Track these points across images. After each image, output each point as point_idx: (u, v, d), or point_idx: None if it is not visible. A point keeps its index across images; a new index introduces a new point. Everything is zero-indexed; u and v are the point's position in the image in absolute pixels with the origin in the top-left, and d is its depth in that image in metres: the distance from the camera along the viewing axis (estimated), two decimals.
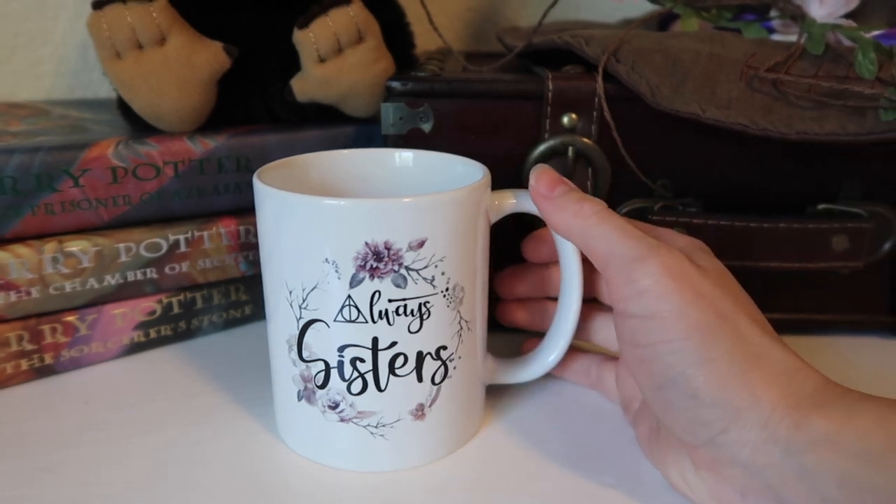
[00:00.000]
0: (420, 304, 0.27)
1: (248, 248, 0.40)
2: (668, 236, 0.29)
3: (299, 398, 0.29)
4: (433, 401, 0.29)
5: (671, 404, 0.26)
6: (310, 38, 0.38)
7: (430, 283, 0.27)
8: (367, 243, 0.26)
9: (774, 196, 0.38)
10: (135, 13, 0.35)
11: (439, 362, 0.29)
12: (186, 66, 0.37)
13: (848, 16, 0.39)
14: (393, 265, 0.26)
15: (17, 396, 0.34)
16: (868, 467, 0.22)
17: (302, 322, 0.28)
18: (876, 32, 0.40)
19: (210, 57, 0.37)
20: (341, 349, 0.28)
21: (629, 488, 0.28)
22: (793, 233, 0.37)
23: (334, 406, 0.29)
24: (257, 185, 0.28)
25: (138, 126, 0.39)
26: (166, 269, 0.38)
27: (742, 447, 0.24)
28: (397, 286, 0.27)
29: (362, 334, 0.27)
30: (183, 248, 0.38)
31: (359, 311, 0.27)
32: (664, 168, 0.37)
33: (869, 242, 0.37)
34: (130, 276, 0.37)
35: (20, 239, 0.34)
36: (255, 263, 0.41)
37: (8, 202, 0.33)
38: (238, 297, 0.41)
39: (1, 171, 0.32)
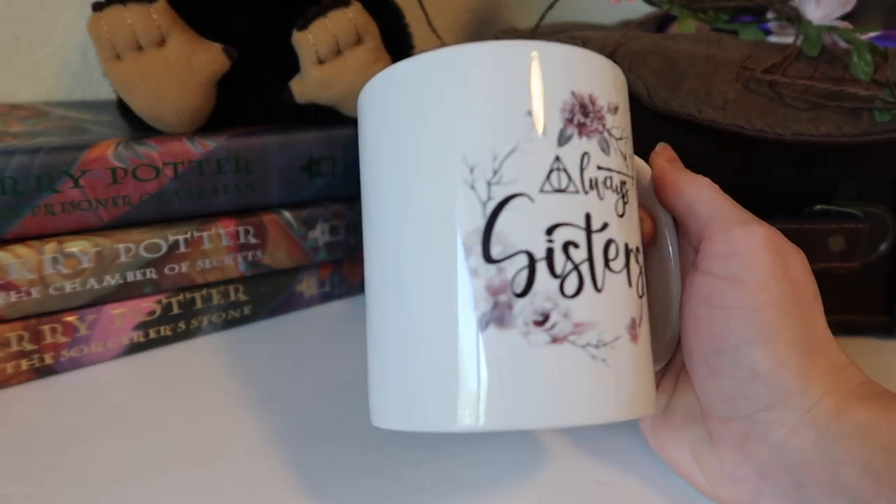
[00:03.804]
0: (622, 182, 0.24)
1: (248, 248, 0.40)
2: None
3: (484, 326, 0.21)
4: (641, 318, 0.24)
5: (722, 371, 0.26)
6: (309, 40, 0.38)
7: (625, 159, 0.24)
8: (573, 93, 0.23)
9: (771, 197, 0.39)
10: (135, 15, 0.36)
11: (639, 268, 0.24)
12: (186, 68, 0.37)
13: (844, 18, 0.40)
14: (598, 124, 0.23)
15: (17, 396, 0.34)
16: (893, 460, 0.22)
17: (492, 204, 0.22)
18: (871, 34, 0.40)
19: (210, 58, 0.38)
20: (550, 230, 0.22)
21: (623, 484, 0.29)
22: (789, 233, 0.37)
23: (543, 319, 0.21)
24: (410, 65, 0.24)
25: (138, 127, 0.39)
26: (166, 270, 0.38)
27: (779, 427, 0.25)
28: (603, 150, 0.23)
29: (575, 209, 0.22)
30: (182, 249, 0.38)
31: (569, 177, 0.22)
32: None
33: (865, 243, 0.38)
34: (130, 277, 0.37)
35: (20, 239, 0.34)
36: (255, 264, 0.41)
37: (8, 203, 0.33)
38: (237, 297, 0.41)
39: (2, 172, 0.33)
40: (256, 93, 0.41)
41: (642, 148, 0.37)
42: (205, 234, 0.39)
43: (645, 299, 0.25)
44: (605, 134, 0.23)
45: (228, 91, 0.40)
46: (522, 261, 0.21)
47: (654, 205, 0.30)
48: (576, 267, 0.22)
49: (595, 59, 0.24)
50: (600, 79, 0.23)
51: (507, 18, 0.70)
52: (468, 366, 0.21)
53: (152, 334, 0.39)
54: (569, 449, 0.31)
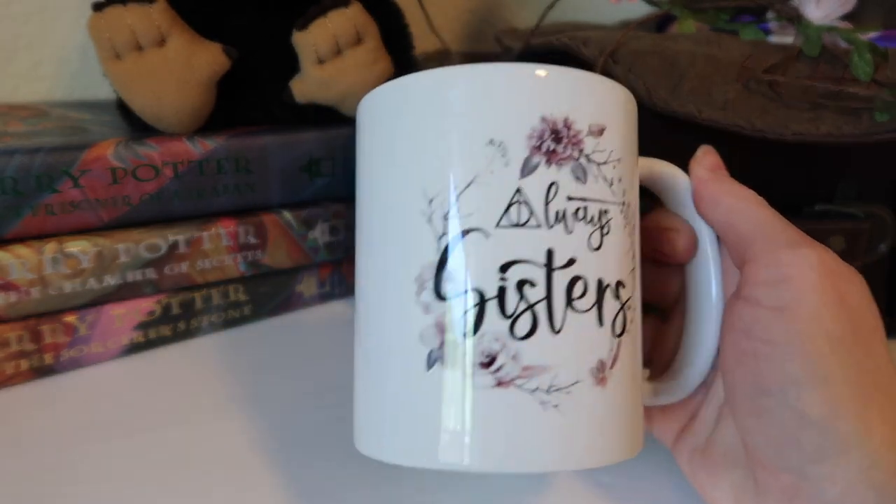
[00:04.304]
0: (600, 212, 0.22)
1: (248, 248, 0.40)
2: None
3: (430, 364, 0.21)
4: (614, 360, 0.22)
5: (768, 415, 0.23)
6: (308, 40, 0.38)
7: (610, 185, 0.22)
8: (543, 118, 0.21)
9: (771, 197, 0.38)
10: (134, 15, 0.36)
11: (619, 304, 0.22)
12: (186, 68, 0.37)
13: (844, 18, 0.40)
14: (573, 150, 0.21)
15: (17, 396, 0.34)
16: None
17: (446, 239, 0.21)
18: (871, 34, 0.40)
19: (209, 58, 0.38)
20: (505, 268, 0.21)
21: (626, 487, 0.29)
22: None
23: (489, 361, 0.20)
24: (378, 92, 0.23)
25: (138, 127, 0.39)
26: (166, 270, 0.38)
27: (833, 484, 0.21)
28: (577, 178, 0.21)
29: (534, 244, 0.21)
30: (182, 249, 0.38)
31: (531, 210, 0.21)
32: None
33: (865, 243, 0.38)
34: (130, 277, 0.37)
35: (20, 239, 0.34)
36: (254, 264, 0.41)
37: (8, 203, 0.33)
38: (237, 297, 0.41)
39: (2, 172, 0.33)
40: (256, 93, 0.41)
41: (642, 148, 0.37)
42: (205, 234, 0.39)
43: (630, 337, 0.23)
44: (583, 160, 0.21)
45: (228, 91, 0.40)
46: (472, 299, 0.21)
47: (695, 218, 0.27)
48: (530, 307, 0.21)
49: (578, 77, 0.22)
50: (581, 99, 0.22)
51: (507, 18, 0.70)
52: (418, 403, 0.21)
53: (152, 334, 0.39)
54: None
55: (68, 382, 0.36)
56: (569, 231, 0.21)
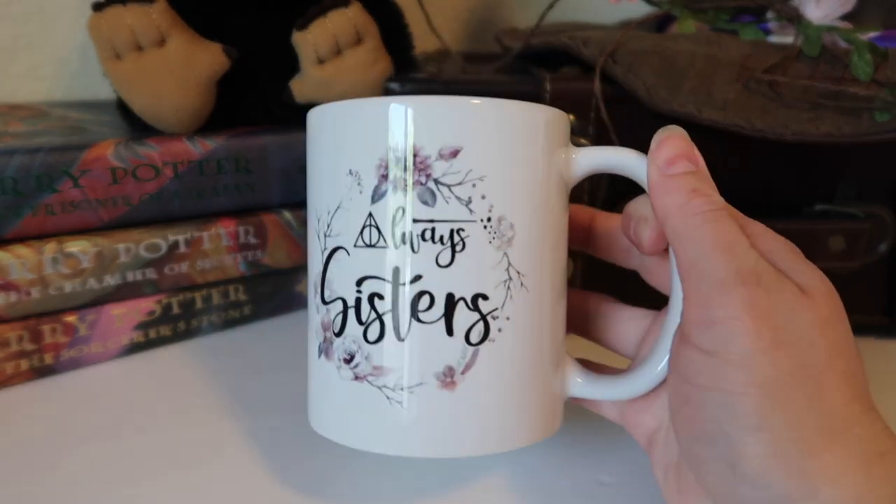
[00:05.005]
0: (452, 231, 0.23)
1: (247, 248, 0.40)
2: (762, 231, 0.24)
3: (319, 353, 0.26)
4: (468, 366, 0.24)
5: (705, 466, 0.21)
6: (308, 40, 0.38)
7: (466, 205, 0.23)
8: (389, 148, 0.23)
9: (771, 197, 0.39)
10: (134, 15, 0.36)
11: (477, 315, 0.24)
12: (186, 68, 0.37)
13: (844, 18, 0.40)
14: (420, 175, 0.23)
15: (17, 396, 0.34)
16: None
17: (326, 253, 0.25)
18: (871, 34, 0.40)
19: (209, 58, 0.38)
20: (360, 282, 0.24)
21: (626, 486, 0.29)
22: (789, 233, 0.37)
23: (349, 358, 0.24)
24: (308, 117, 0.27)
25: (138, 127, 0.39)
26: (165, 270, 0.38)
27: None
28: (424, 203, 0.23)
29: (382, 263, 0.24)
30: (182, 249, 0.38)
31: (379, 232, 0.23)
32: None
33: (865, 243, 0.38)
34: (130, 277, 0.37)
35: (20, 239, 0.34)
36: (254, 264, 0.41)
37: (8, 203, 0.33)
38: (237, 297, 0.41)
39: (2, 172, 0.33)
40: (256, 93, 0.41)
41: (645, 147, 0.37)
42: (205, 234, 0.39)
43: (498, 346, 0.24)
44: (431, 184, 0.23)
45: (228, 91, 0.40)
46: (339, 306, 0.25)
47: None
48: (379, 317, 0.24)
49: (428, 105, 0.23)
50: (430, 127, 0.23)
51: (507, 18, 0.70)
52: (313, 383, 0.26)
53: (152, 334, 0.39)
54: (571, 450, 0.31)
55: (68, 382, 0.36)
56: (415, 251, 0.23)
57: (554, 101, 0.36)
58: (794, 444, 0.20)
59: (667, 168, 0.23)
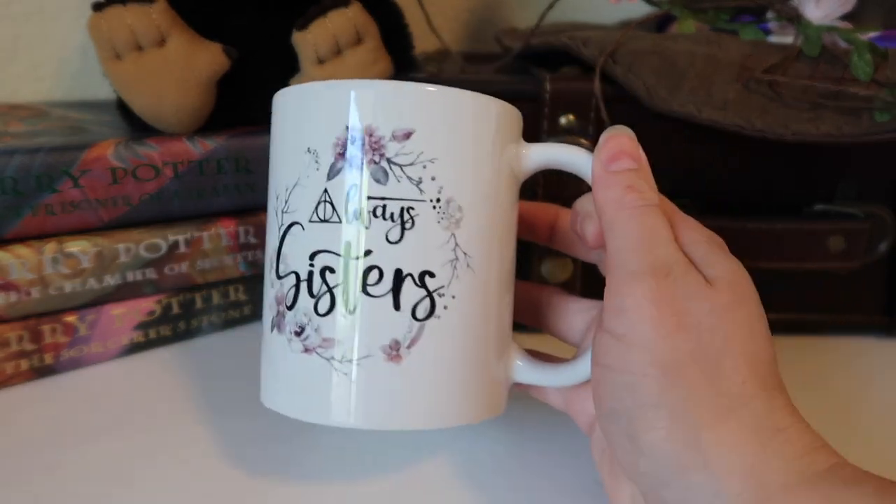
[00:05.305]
0: (402, 209, 0.24)
1: (247, 248, 0.40)
2: (689, 226, 0.25)
3: (272, 328, 0.26)
4: (413, 341, 0.24)
5: (613, 440, 0.23)
6: (308, 40, 0.38)
7: (417, 185, 0.24)
8: (347, 127, 0.24)
9: (771, 197, 0.39)
10: (134, 15, 0.36)
11: (424, 292, 0.25)
12: (186, 68, 0.37)
13: (844, 18, 0.40)
14: (374, 155, 0.24)
15: (17, 396, 0.34)
16: None
17: (282, 229, 0.26)
18: (871, 34, 0.40)
19: (209, 58, 0.38)
20: (313, 256, 0.25)
21: None
22: (789, 233, 0.37)
23: (300, 331, 0.25)
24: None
25: (138, 127, 0.39)
26: (166, 270, 0.38)
27: None
28: (377, 181, 0.24)
29: (335, 237, 0.24)
30: (182, 249, 0.38)
31: (333, 208, 0.24)
32: (661, 169, 0.37)
33: (865, 243, 0.38)
34: (130, 277, 0.37)
35: (20, 239, 0.34)
36: (254, 264, 0.41)
37: (8, 203, 0.33)
38: (237, 297, 0.41)
39: (2, 172, 0.33)
40: (256, 93, 0.41)
41: (644, 147, 0.38)
42: (205, 234, 0.39)
43: (443, 322, 0.25)
44: (384, 163, 0.24)
45: (228, 91, 0.40)
46: (292, 280, 0.25)
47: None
48: (330, 290, 0.25)
49: (384, 89, 0.25)
50: (385, 109, 0.24)
51: (507, 18, 0.70)
52: (266, 357, 0.27)
53: (152, 334, 0.39)
54: (570, 449, 0.31)
55: (68, 382, 0.36)
56: (366, 226, 0.24)
57: (554, 101, 0.36)
58: (689, 419, 0.21)
59: (609, 165, 0.25)
